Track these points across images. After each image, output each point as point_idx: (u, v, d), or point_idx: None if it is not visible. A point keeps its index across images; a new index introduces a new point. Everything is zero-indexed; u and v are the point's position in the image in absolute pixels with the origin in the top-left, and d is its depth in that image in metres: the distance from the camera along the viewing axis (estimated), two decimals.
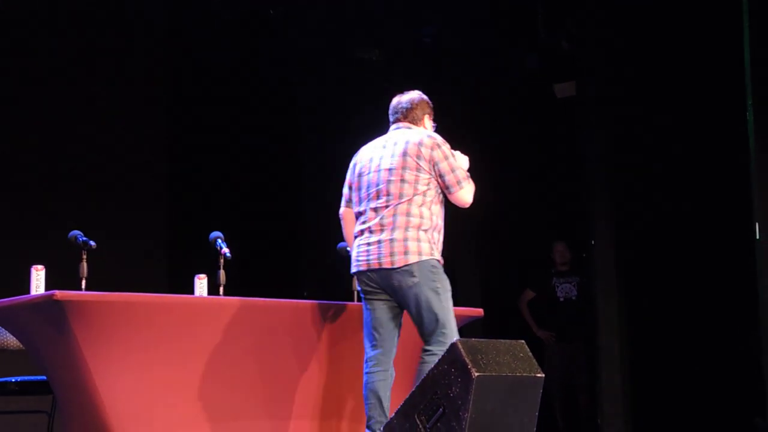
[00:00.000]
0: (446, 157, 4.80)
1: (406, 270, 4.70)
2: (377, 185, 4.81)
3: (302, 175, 9.43)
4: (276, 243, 9.19)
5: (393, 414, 4.45)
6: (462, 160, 4.97)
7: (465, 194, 4.86)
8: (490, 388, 4.26)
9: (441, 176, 4.81)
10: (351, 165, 5.02)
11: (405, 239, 4.70)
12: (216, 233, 5.23)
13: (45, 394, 5.30)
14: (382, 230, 4.74)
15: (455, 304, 4.81)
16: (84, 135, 7.78)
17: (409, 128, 4.95)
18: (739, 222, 6.85)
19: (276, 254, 9.14)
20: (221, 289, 5.07)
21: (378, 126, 9.66)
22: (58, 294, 4.36)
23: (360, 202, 4.88)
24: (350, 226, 4.97)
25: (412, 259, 4.70)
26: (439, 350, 4.56)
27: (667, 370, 7.22)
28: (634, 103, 7.96)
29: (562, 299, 8.21)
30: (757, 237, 6.98)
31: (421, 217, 4.74)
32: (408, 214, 4.73)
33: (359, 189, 4.89)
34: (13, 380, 5.35)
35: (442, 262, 4.82)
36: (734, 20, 6.85)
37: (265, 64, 9.13)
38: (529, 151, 8.40)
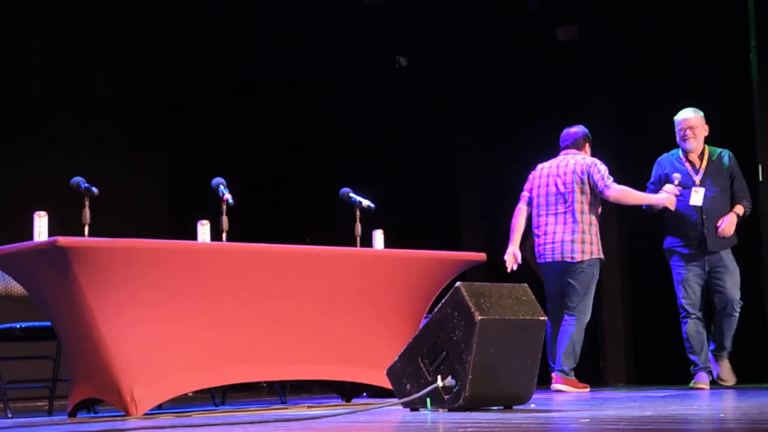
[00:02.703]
0: (598, 170, 6.40)
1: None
2: (557, 195, 6.41)
3: (306, 120, 9.39)
4: (278, 189, 9.17)
5: (397, 357, 4.47)
6: None
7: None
8: (493, 332, 4.28)
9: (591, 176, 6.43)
10: (531, 178, 6.61)
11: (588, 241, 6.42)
12: (218, 179, 5.22)
13: (50, 339, 5.34)
14: (573, 231, 6.39)
15: (461, 249, 4.85)
16: (86, 81, 7.74)
17: (576, 153, 6.55)
18: (742, 164, 6.81)
19: (279, 200, 9.13)
20: (224, 235, 5.07)
21: (377, 70, 9.59)
22: (61, 240, 4.37)
23: (539, 206, 6.49)
24: (522, 219, 6.56)
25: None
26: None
27: (669, 311, 7.23)
28: (637, 47, 7.90)
29: None
30: (760, 179, 6.97)
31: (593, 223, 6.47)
32: (587, 220, 6.41)
33: (538, 197, 6.50)
34: (18, 326, 5.36)
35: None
36: None
37: (271, 11, 9.06)
38: (532, 94, 8.34)
